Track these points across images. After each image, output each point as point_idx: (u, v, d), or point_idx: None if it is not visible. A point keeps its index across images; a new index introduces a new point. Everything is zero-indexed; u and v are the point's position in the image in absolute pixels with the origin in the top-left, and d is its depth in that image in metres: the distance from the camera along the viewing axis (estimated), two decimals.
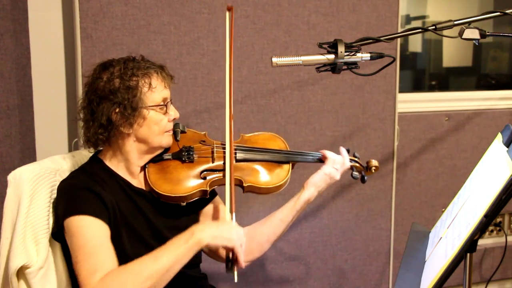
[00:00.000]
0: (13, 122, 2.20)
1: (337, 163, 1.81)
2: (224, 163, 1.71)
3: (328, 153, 1.84)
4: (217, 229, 1.52)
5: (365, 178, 1.90)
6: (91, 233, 1.51)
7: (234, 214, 1.57)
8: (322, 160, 1.84)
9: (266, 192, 1.76)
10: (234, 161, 1.72)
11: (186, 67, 2.40)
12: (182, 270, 1.68)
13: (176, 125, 1.73)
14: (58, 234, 1.60)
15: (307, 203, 1.79)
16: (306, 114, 2.61)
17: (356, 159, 1.90)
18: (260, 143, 1.83)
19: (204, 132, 1.82)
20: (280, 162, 1.79)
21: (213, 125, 2.45)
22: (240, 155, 1.75)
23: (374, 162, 1.93)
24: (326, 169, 1.79)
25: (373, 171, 1.92)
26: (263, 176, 1.76)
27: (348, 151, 1.91)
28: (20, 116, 2.23)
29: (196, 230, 1.50)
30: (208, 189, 1.68)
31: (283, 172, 1.78)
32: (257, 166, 1.77)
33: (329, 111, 2.64)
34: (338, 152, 1.88)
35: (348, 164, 1.85)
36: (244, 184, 1.72)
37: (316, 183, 1.78)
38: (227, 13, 1.77)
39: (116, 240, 1.58)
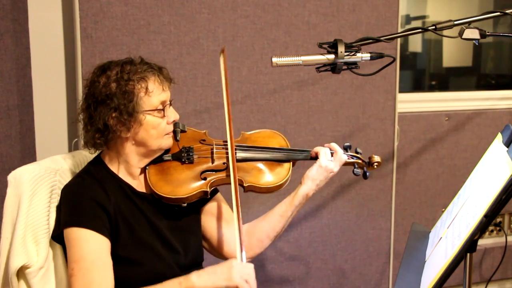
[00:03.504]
0: (13, 122, 2.20)
1: (328, 154, 1.78)
2: (224, 163, 1.71)
3: (318, 148, 1.82)
4: (214, 274, 1.53)
5: (367, 174, 1.88)
6: (90, 247, 1.52)
7: (243, 252, 1.53)
8: (314, 158, 1.82)
9: (266, 191, 1.76)
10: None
11: (186, 67, 2.40)
12: (184, 272, 1.69)
13: (176, 125, 1.71)
14: (59, 238, 1.61)
15: (305, 198, 1.77)
16: (306, 114, 2.61)
17: (358, 155, 1.89)
18: (261, 141, 1.83)
19: (204, 131, 1.82)
20: (280, 161, 1.79)
21: (213, 125, 2.45)
22: (240, 155, 1.75)
23: (376, 158, 1.90)
24: (321, 162, 1.77)
25: (375, 166, 1.90)
26: (264, 175, 1.75)
27: (350, 147, 1.90)
28: (20, 116, 2.23)
29: (192, 275, 1.53)
30: (208, 189, 1.68)
31: (283, 171, 1.77)
32: (258, 165, 1.76)
33: (329, 111, 2.64)
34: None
35: (344, 157, 1.82)
36: (245, 184, 1.71)
37: (313, 176, 1.76)
38: (221, 56, 1.74)
39: (118, 245, 1.59)
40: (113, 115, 1.57)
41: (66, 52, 2.39)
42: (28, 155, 2.26)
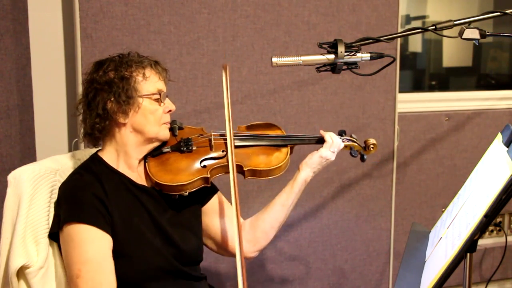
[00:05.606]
0: (13, 122, 2.20)
1: (334, 146, 1.82)
2: (223, 151, 1.73)
3: (328, 136, 1.84)
4: None
5: (365, 157, 1.91)
6: (95, 248, 1.52)
7: None
8: (321, 141, 1.85)
9: (266, 175, 1.77)
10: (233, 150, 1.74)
11: (186, 67, 2.40)
12: (183, 269, 1.69)
13: (173, 122, 1.74)
14: (56, 235, 1.60)
15: (304, 184, 1.81)
16: (306, 114, 2.61)
17: (353, 139, 1.92)
18: (258, 132, 1.85)
19: (201, 127, 1.84)
20: (278, 146, 1.81)
21: (213, 125, 2.45)
22: (238, 142, 1.77)
23: (372, 140, 1.93)
24: (323, 152, 1.80)
25: (372, 149, 1.93)
26: (262, 159, 1.77)
27: (344, 132, 1.93)
28: (20, 116, 2.23)
29: None
30: (209, 176, 1.68)
31: (282, 155, 1.79)
32: (256, 151, 1.79)
33: (329, 111, 2.64)
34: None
35: (342, 145, 1.86)
36: (245, 169, 1.72)
37: (312, 164, 1.80)
38: (223, 73, 1.77)
39: (114, 240, 1.58)
40: (112, 99, 1.61)
41: (66, 52, 2.39)
42: (28, 155, 2.26)
